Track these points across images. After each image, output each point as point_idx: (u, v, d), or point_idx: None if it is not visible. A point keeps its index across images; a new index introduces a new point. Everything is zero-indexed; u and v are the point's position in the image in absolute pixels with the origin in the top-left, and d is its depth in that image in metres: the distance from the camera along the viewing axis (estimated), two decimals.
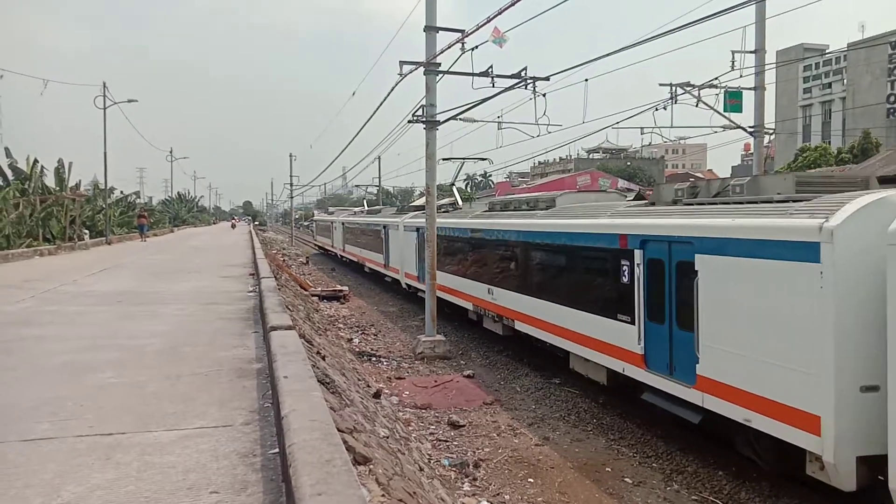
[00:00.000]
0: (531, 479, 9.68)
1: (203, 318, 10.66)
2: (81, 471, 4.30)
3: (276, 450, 4.59)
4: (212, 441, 4.86)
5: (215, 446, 4.75)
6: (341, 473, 3.40)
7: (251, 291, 14.04)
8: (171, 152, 72.91)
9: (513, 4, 14.05)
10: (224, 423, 5.30)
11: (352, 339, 19.81)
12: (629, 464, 10.29)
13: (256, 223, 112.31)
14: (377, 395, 11.61)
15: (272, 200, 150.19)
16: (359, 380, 12.29)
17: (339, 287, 30.98)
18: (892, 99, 62.62)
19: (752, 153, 25.14)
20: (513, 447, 10.92)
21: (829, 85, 75.48)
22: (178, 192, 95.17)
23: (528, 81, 18.18)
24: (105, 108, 37.02)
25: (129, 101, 39.88)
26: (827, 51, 74.24)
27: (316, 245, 66.83)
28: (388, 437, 8.01)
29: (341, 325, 22.13)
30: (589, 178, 58.87)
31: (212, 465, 4.39)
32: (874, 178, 9.24)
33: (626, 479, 9.72)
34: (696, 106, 21.95)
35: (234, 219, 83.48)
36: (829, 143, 61.75)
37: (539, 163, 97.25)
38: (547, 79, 18.40)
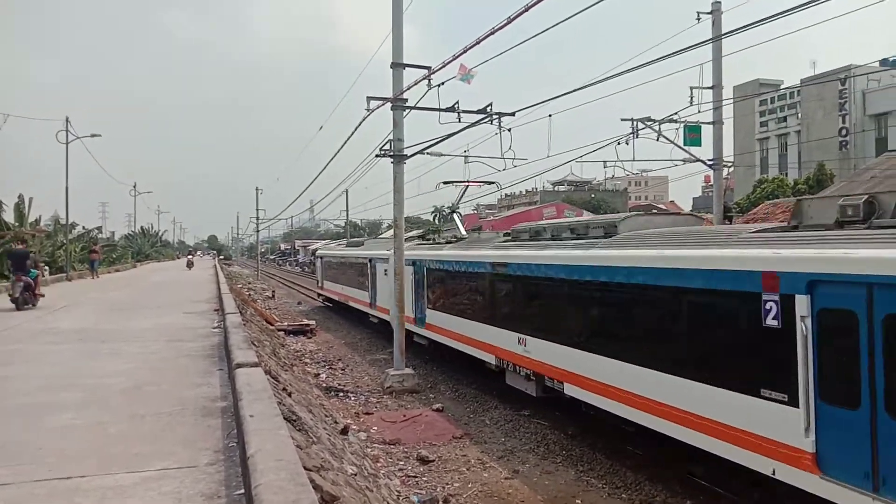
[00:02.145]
0: None
1: (167, 355, 10.49)
2: None
3: (242, 490, 4.53)
4: (175, 483, 4.78)
5: (179, 488, 4.67)
6: None
7: (216, 327, 13.86)
8: (134, 186, 72.05)
9: (477, 44, 14.34)
10: (188, 463, 5.21)
11: (319, 374, 19.59)
12: (598, 495, 10.30)
13: (221, 257, 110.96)
14: (345, 431, 11.47)
15: (238, 234, 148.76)
16: (326, 416, 12.14)
17: (305, 321, 30.69)
18: (843, 132, 64.86)
19: (711, 185, 25.75)
20: (482, 481, 10.87)
21: (785, 119, 77.93)
22: (141, 227, 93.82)
23: (494, 116, 18.47)
24: (67, 143, 36.52)
25: (93, 135, 39.43)
26: (781, 86, 76.76)
27: (322, 296, 41.97)
28: (356, 475, 7.92)
29: (308, 360, 21.89)
30: (555, 210, 59.68)
31: None
32: None
33: None
34: (657, 140, 22.47)
35: (190, 254, 67.78)
36: (786, 174, 63.60)
37: (506, 195, 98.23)
38: (512, 114, 18.71)
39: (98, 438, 5.97)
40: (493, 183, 23.27)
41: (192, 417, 6.63)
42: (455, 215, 24.70)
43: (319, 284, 42.07)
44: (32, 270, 19.24)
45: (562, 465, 11.62)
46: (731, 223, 32.04)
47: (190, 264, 52.75)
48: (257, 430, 4.89)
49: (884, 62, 55.27)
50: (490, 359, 15.68)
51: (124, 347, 11.37)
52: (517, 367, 14.42)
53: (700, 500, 9.70)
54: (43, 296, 19.90)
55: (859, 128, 63.65)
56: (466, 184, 22.68)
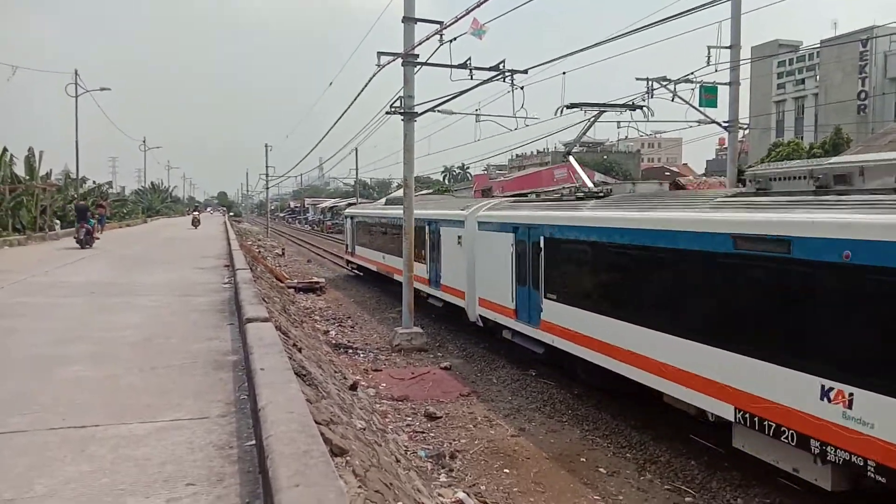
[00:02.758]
0: (507, 470, 9.77)
1: (178, 309, 10.57)
2: (54, 464, 4.26)
3: (253, 442, 4.59)
4: (187, 433, 4.84)
5: (191, 438, 4.74)
6: (319, 465, 3.41)
7: (226, 283, 13.94)
8: (144, 141, 71.98)
9: None
10: (200, 415, 5.27)
11: (328, 331, 19.75)
12: (603, 454, 10.41)
13: (231, 214, 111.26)
14: (354, 387, 11.60)
15: (247, 191, 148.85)
16: (335, 372, 12.26)
17: (315, 279, 30.85)
18: (862, 96, 63.72)
19: (726, 148, 25.42)
20: (489, 438, 11.00)
21: (803, 81, 76.54)
22: (151, 182, 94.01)
23: (507, 74, 18.19)
24: (77, 97, 36.39)
25: (102, 89, 39.30)
26: (801, 48, 75.20)
27: (353, 264, 34.62)
28: (364, 429, 8.02)
29: (318, 317, 22.06)
30: (566, 171, 59.18)
31: (188, 458, 4.38)
32: None
33: (601, 470, 9.84)
34: (672, 100, 22.10)
35: (196, 210, 58.65)
36: (802, 138, 62.71)
37: (517, 156, 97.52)
38: (525, 72, 18.43)
39: (110, 390, 6.04)
40: (642, 107, 18.17)
41: (203, 370, 6.69)
42: (570, 158, 18.04)
43: (349, 250, 34.34)
44: (91, 220, 25.25)
45: (567, 425, 11.73)
46: (743, 186, 31.73)
47: (196, 222, 44.96)
48: (268, 384, 4.93)
49: None
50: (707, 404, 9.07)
51: (135, 301, 11.46)
52: None
53: (703, 461, 9.80)
54: (99, 238, 25.96)
55: (879, 91, 62.48)
56: (599, 109, 16.07)
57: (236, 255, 18.27)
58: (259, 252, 36.08)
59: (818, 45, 67.84)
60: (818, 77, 72.50)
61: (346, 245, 35.54)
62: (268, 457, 3.55)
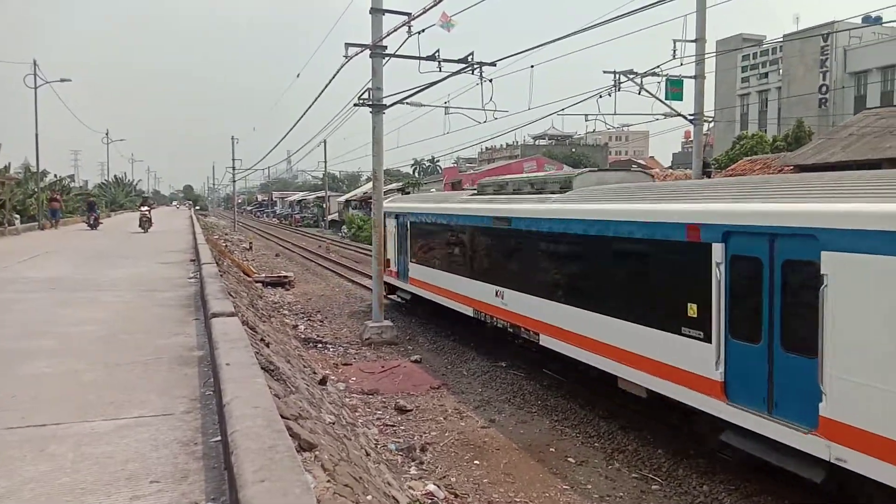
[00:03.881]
0: (477, 462, 9.81)
1: (142, 305, 10.39)
2: (13, 464, 4.16)
3: (219, 438, 4.54)
4: (152, 430, 4.77)
5: (155, 435, 4.66)
6: (285, 459, 3.38)
7: (192, 278, 13.74)
8: (107, 134, 70.49)
9: None
10: (164, 411, 5.20)
11: (297, 325, 19.61)
12: (572, 444, 10.52)
13: (198, 208, 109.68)
14: (323, 381, 11.54)
15: (214, 185, 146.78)
16: (304, 367, 12.19)
17: (283, 273, 30.58)
18: (823, 89, 65.04)
19: (692, 140, 25.75)
20: (459, 430, 11.03)
21: (766, 75, 77.82)
22: (115, 176, 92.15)
23: (475, 66, 18.15)
24: (36, 87, 35.46)
25: (62, 80, 38.30)
26: (764, 41, 76.42)
27: (401, 290, 21.77)
28: (334, 424, 7.99)
29: (286, 312, 21.88)
30: (535, 164, 59.53)
31: (152, 455, 4.31)
32: None
33: (570, 459, 9.94)
34: (639, 94, 22.31)
35: (148, 205, 36.53)
36: (765, 131, 63.79)
37: (486, 148, 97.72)
38: (494, 64, 18.41)
39: (72, 386, 5.92)
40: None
41: (168, 366, 6.59)
42: None
43: (397, 269, 21.23)
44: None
45: (537, 415, 11.83)
46: (709, 178, 32.21)
47: (145, 222, 31.33)
48: (233, 378, 4.87)
49: (865, 19, 55.06)
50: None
51: (98, 296, 11.24)
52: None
53: (670, 450, 9.95)
54: (101, 223, 32.20)
55: (839, 85, 63.82)
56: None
57: (202, 250, 18.01)
58: (226, 246, 35.63)
59: (781, 40, 69.05)
60: (781, 71, 73.82)
61: (391, 258, 21.43)
62: (233, 452, 3.51)
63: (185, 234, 30.17)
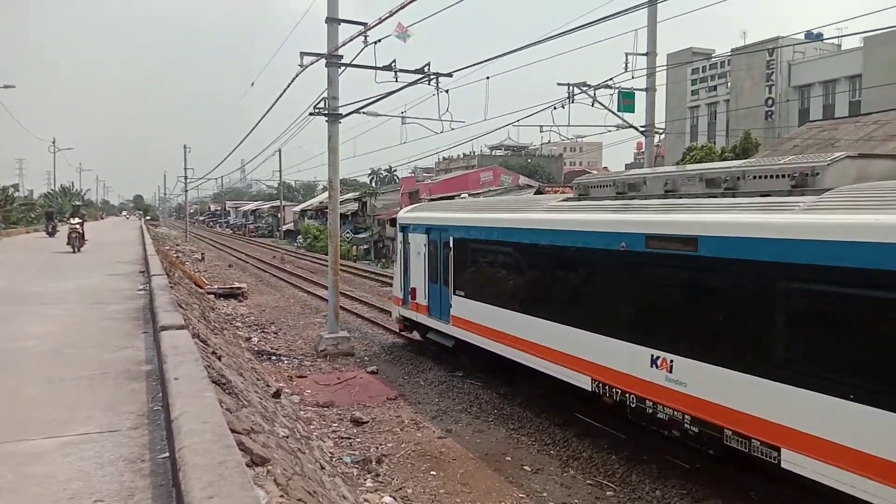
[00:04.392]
0: (434, 472, 9.78)
1: (89, 318, 10.09)
2: None
3: (167, 454, 4.42)
4: (97, 447, 4.62)
5: (100, 453, 4.53)
6: (234, 475, 3.32)
7: (141, 290, 13.41)
8: (53, 142, 68.53)
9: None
10: (110, 428, 5.05)
11: (251, 337, 19.30)
12: (528, 452, 10.57)
13: (148, 218, 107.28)
14: (277, 394, 11.37)
15: (165, 194, 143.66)
16: (258, 380, 11.99)
17: (237, 284, 30.08)
18: (769, 102, 67.05)
19: (643, 152, 26.29)
20: (416, 441, 10.98)
21: (715, 88, 79.87)
22: (61, 185, 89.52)
23: (431, 77, 18.25)
24: None
25: (6, 86, 37.15)
26: (713, 55, 78.52)
27: (433, 333, 15.87)
28: (287, 437, 7.87)
29: (239, 324, 21.51)
30: (491, 174, 59.91)
31: (96, 473, 4.18)
32: None
33: (526, 468, 9.98)
34: (592, 105, 22.72)
35: (78, 216, 25.98)
36: (714, 142, 65.44)
37: (443, 158, 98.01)
38: (450, 75, 18.54)
39: (13, 403, 5.71)
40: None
41: (115, 381, 6.41)
42: None
43: (425, 302, 16.04)
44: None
45: (493, 424, 11.85)
46: None
47: (75, 238, 24.91)
48: (182, 393, 4.76)
49: (808, 35, 57.15)
50: None
51: (43, 310, 10.88)
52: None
53: (623, 455, 10.07)
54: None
55: (784, 98, 65.93)
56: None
57: (152, 261, 17.60)
58: (177, 257, 34.90)
59: (729, 54, 71.00)
60: (729, 84, 75.91)
61: (417, 290, 16.29)
62: (180, 469, 3.42)
63: (134, 245, 29.45)
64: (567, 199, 12.08)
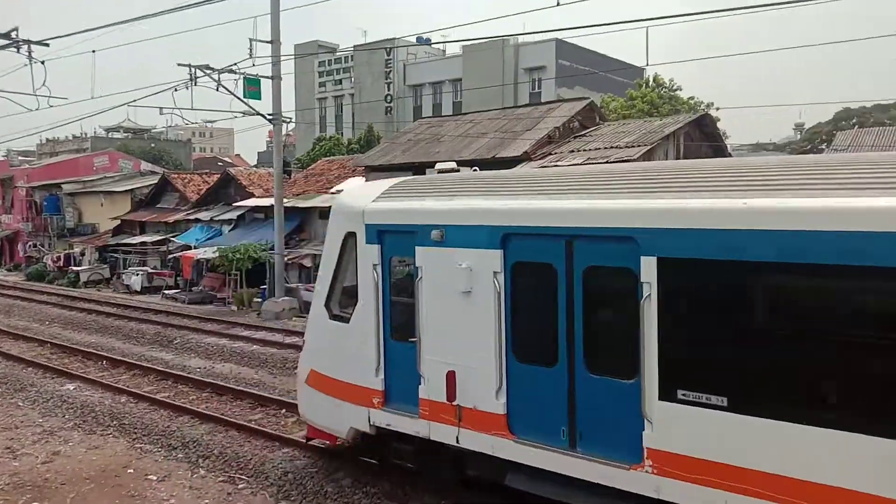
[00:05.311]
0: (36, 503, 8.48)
1: None
2: None
3: None
4: None
5: None
6: None
7: None
8: None
9: None
10: None
11: None
12: (153, 460, 9.81)
13: None
14: None
15: None
16: None
17: None
18: (388, 98, 72.83)
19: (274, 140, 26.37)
20: (12, 472, 9.40)
21: (340, 81, 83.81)
22: None
23: (21, 43, 15.68)
24: None
25: None
26: (337, 50, 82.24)
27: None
28: None
29: None
30: (107, 159, 53.93)
31: None
32: None
33: (151, 477, 9.24)
34: (217, 90, 21.96)
35: None
36: (342, 133, 68.84)
37: (47, 140, 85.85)
38: (47, 44, 16.18)
39: None
40: None
41: None
42: None
43: (514, 405, 6.88)
44: None
45: (112, 437, 10.73)
46: (290, 178, 33.44)
47: None
48: None
49: (419, 40, 63.36)
50: None
51: None
52: None
53: (256, 445, 10.01)
54: None
55: (400, 95, 72.29)
56: None
57: None
58: None
59: (352, 50, 75.17)
60: (353, 79, 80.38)
61: (449, 375, 7.29)
62: None
63: None
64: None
